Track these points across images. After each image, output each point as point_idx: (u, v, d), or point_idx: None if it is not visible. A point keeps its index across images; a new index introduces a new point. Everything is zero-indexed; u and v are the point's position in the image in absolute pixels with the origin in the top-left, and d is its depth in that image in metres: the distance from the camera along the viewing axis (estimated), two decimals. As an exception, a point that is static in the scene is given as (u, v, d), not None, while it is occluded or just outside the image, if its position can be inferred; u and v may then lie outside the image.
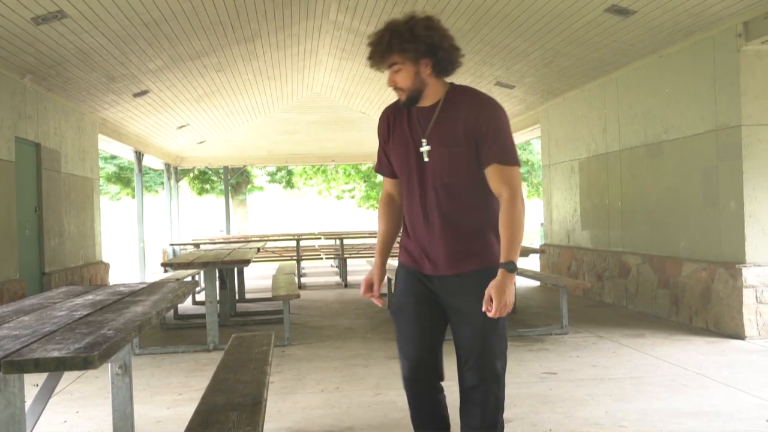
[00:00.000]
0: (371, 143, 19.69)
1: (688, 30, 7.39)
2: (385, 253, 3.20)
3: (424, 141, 2.95)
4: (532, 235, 23.33)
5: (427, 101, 2.97)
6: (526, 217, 2.91)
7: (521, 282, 11.20)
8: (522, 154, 28.65)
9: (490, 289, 2.82)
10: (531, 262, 14.36)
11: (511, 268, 2.85)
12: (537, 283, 11.96)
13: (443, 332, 3.09)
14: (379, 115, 3.16)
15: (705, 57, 7.50)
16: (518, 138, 16.31)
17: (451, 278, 2.98)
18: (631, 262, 9.19)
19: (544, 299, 10.37)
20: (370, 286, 3.24)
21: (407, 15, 2.89)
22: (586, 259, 10.69)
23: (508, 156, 2.89)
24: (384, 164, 3.18)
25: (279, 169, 30.98)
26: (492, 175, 2.90)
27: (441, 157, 2.93)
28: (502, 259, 2.87)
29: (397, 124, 3.07)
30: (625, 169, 9.40)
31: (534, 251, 8.11)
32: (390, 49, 2.84)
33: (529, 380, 5.46)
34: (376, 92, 15.86)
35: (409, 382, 3.07)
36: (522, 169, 29.52)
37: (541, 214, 13.53)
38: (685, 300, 7.84)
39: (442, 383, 3.12)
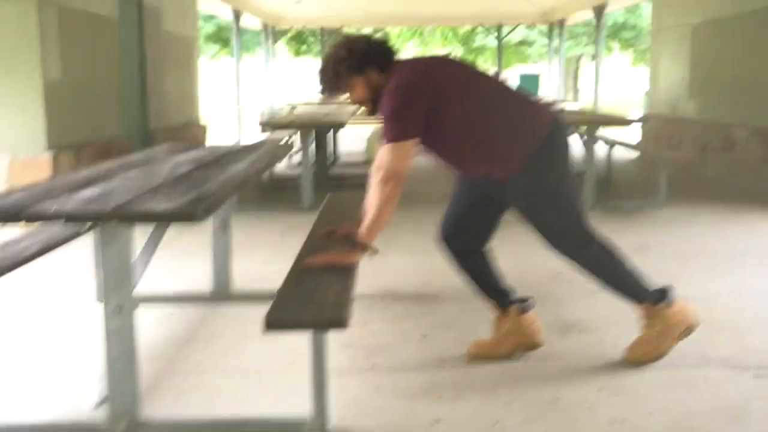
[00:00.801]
0: (471, 4, 19.03)
1: None
2: None
3: None
4: (634, 104, 22.51)
5: None
6: (398, 196, 2.99)
7: (619, 153, 10.93)
8: (630, 19, 27.21)
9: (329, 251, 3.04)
10: (632, 132, 13.92)
11: (361, 246, 2.99)
12: (636, 154, 11.64)
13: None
14: None
15: None
16: (627, 0, 15.42)
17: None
18: (738, 134, 8.79)
19: (643, 171, 10.12)
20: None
21: (336, 44, 3.21)
22: (690, 130, 10.28)
23: (384, 135, 3.04)
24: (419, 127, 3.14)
25: (376, 31, 30.51)
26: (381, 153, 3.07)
27: None
28: (360, 235, 3.00)
29: None
30: (740, 37, 8.83)
31: (635, 122, 7.84)
32: (337, 78, 3.13)
33: (623, 251, 5.42)
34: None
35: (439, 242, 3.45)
36: (628, 34, 28.20)
37: (646, 82, 12.98)
38: (792, 177, 7.51)
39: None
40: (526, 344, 3.41)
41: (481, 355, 3.40)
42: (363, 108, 3.24)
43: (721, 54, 9.39)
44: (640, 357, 3.29)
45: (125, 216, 2.44)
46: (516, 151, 3.09)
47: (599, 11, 15.64)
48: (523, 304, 3.42)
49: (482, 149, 3.13)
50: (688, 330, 3.30)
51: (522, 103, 3.18)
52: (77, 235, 3.73)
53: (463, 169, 3.31)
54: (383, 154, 3.02)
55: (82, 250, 4.46)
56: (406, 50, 34.61)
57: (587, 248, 3.23)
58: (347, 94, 3.21)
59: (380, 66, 3.14)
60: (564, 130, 3.20)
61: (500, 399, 2.98)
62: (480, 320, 3.92)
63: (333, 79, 3.15)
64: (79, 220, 2.44)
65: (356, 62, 3.11)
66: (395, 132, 3.01)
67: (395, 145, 3.00)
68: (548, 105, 3.26)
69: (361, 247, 3.01)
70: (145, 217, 2.47)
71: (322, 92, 3.28)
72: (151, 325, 3.93)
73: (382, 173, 2.99)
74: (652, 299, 3.27)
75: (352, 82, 3.13)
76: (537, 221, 3.21)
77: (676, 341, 3.29)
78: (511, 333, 3.39)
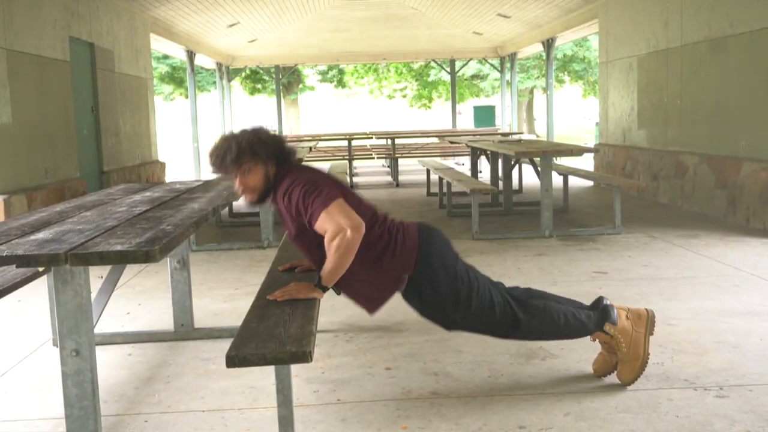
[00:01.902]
0: (424, 40, 19.31)
1: None
2: None
3: None
4: (587, 134, 22.95)
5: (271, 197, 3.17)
6: (356, 245, 2.93)
7: (575, 182, 11.11)
8: (578, 51, 27.82)
9: (290, 285, 3.04)
10: (585, 162, 14.17)
11: (319, 285, 3.00)
12: (590, 183, 11.84)
13: None
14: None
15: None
16: (575, 34, 15.86)
17: None
18: (688, 161, 9.00)
19: (598, 199, 10.28)
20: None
21: (242, 130, 3.17)
22: (641, 158, 10.50)
23: (314, 213, 2.97)
24: None
25: (330, 68, 30.73)
26: (320, 229, 2.97)
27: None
28: (320, 279, 3.00)
29: None
30: (686, 66, 9.09)
31: (588, 151, 7.99)
32: (241, 155, 3.05)
33: (580, 279, 5.49)
34: (428, -13, 15.43)
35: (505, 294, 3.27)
36: (578, 67, 28.80)
37: (596, 113, 13.24)
38: (742, 200, 7.69)
39: None
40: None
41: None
42: (244, 195, 3.16)
43: (667, 84, 9.64)
44: (632, 375, 3.34)
45: (79, 258, 2.39)
46: (396, 278, 3.09)
47: (548, 45, 16.00)
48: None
49: (366, 270, 3.07)
50: (651, 322, 3.37)
51: (391, 225, 3.15)
52: (35, 276, 3.65)
53: (344, 286, 3.12)
54: (325, 224, 2.90)
55: (41, 291, 4.36)
56: (362, 86, 34.93)
57: (517, 325, 3.21)
58: (235, 176, 3.11)
59: (280, 162, 3.13)
60: (433, 241, 3.14)
61: (467, 428, 2.97)
62: (444, 350, 3.92)
63: (236, 156, 3.05)
64: (31, 264, 2.38)
65: (265, 149, 3.09)
66: (322, 201, 2.93)
67: (328, 209, 2.91)
68: (411, 223, 3.22)
69: (322, 289, 2.99)
70: (100, 259, 2.42)
71: (213, 166, 3.16)
72: (110, 366, 3.85)
73: (332, 230, 2.88)
74: (600, 326, 3.32)
75: (253, 166, 3.08)
76: (456, 326, 3.22)
77: (647, 339, 3.35)
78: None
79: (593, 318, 3.33)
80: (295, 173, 3.09)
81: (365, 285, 3.11)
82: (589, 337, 3.39)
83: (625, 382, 3.34)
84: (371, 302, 3.15)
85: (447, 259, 3.14)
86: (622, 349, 3.32)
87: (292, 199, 3.00)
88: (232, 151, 3.07)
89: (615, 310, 3.36)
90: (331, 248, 2.89)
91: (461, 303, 3.13)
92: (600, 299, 3.40)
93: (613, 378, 3.41)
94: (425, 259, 3.09)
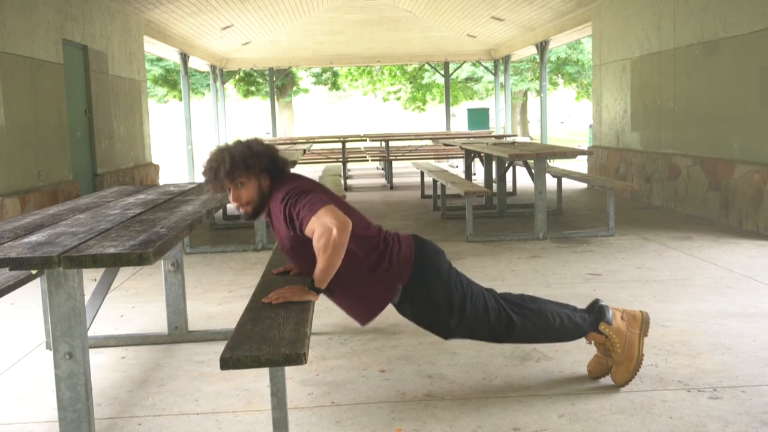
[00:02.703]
0: (418, 43, 19.32)
1: None
2: None
3: None
4: (580, 136, 22.99)
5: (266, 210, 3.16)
6: (345, 244, 2.91)
7: (568, 184, 11.13)
8: (572, 54, 27.89)
9: (285, 288, 3.00)
10: (578, 165, 14.20)
11: (315, 290, 2.96)
12: (584, 186, 11.87)
13: None
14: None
15: (769, -52, 7.11)
16: (568, 37, 15.90)
17: None
18: (681, 164, 9.03)
19: (591, 201, 10.31)
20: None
21: (236, 141, 3.17)
22: (634, 161, 10.53)
23: (306, 216, 2.95)
24: None
25: (324, 71, 30.73)
26: (310, 233, 2.96)
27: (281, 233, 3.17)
28: (313, 281, 2.97)
29: None
30: (679, 69, 9.12)
31: (582, 153, 8.00)
32: (235, 168, 3.05)
33: (573, 281, 5.50)
34: (422, -10, 15.45)
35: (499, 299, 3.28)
36: (572, 69, 28.87)
37: (590, 115, 13.27)
38: (735, 203, 7.72)
39: None
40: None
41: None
42: (239, 209, 3.15)
43: (660, 86, 9.67)
44: (626, 376, 3.34)
45: (73, 261, 2.38)
46: (390, 287, 3.09)
47: (542, 47, 16.03)
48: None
49: (360, 280, 3.08)
50: (645, 324, 3.38)
51: (386, 236, 3.16)
52: (29, 279, 3.64)
53: (338, 296, 3.16)
54: (315, 227, 2.89)
55: (34, 294, 4.35)
56: (356, 89, 34.94)
57: (512, 328, 3.22)
58: (229, 190, 3.11)
59: (273, 174, 3.14)
60: (427, 252, 3.16)
61: (461, 430, 2.97)
62: (438, 353, 3.93)
63: (229, 169, 3.05)
64: (24, 267, 2.37)
65: (259, 165, 3.09)
66: (310, 206, 2.93)
67: (317, 213, 2.90)
68: (406, 234, 3.24)
69: (315, 291, 2.99)
70: (94, 262, 2.42)
71: (208, 181, 3.15)
72: (104, 369, 3.84)
73: (320, 230, 2.88)
74: (595, 327, 3.33)
75: (246, 180, 3.08)
76: (451, 333, 3.20)
77: (642, 340, 3.36)
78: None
79: (588, 319, 3.33)
80: (289, 183, 3.09)
81: (359, 296, 3.11)
82: (584, 338, 3.40)
83: (620, 383, 3.35)
84: (364, 313, 3.15)
85: (441, 268, 3.15)
86: (616, 350, 3.33)
87: (286, 208, 3.00)
88: (225, 165, 3.06)
89: (610, 311, 3.37)
90: (319, 248, 2.89)
91: (455, 309, 3.14)
92: (596, 301, 3.41)
93: (607, 380, 3.42)
94: (420, 268, 3.10)
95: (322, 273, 2.93)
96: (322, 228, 2.87)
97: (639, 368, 3.34)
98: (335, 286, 3.04)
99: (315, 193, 3.00)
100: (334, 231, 2.86)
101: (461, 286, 3.16)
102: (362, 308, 3.15)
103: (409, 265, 3.09)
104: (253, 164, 3.07)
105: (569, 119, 35.84)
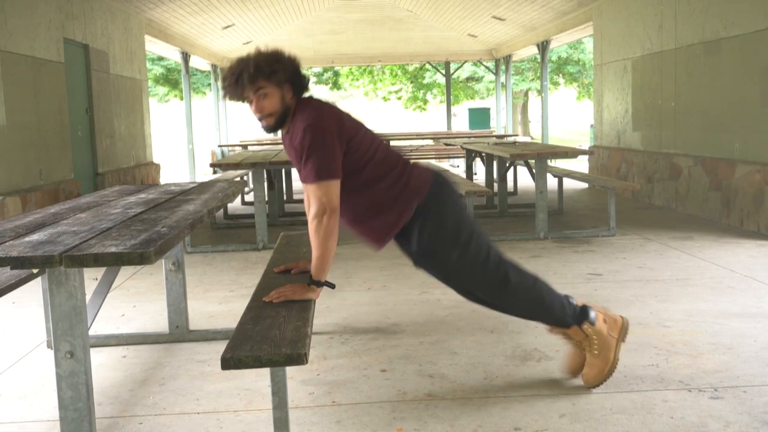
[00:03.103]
0: (419, 43, 19.31)
1: None
2: None
3: None
4: (581, 136, 22.98)
5: (287, 126, 3.10)
6: (335, 228, 2.98)
7: (569, 184, 11.12)
8: (573, 54, 27.86)
9: (286, 286, 3.03)
10: (580, 164, 14.20)
11: (315, 283, 3.00)
12: (585, 185, 11.87)
13: None
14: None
15: (771, -52, 7.11)
16: (570, 36, 15.89)
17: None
18: (682, 164, 9.02)
19: (592, 201, 10.30)
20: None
21: (259, 48, 3.05)
22: (636, 161, 10.52)
23: (308, 174, 2.97)
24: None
25: (325, 71, 30.71)
26: (305, 190, 3.05)
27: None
28: (312, 275, 3.00)
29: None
30: (680, 69, 9.11)
31: (583, 153, 8.00)
32: (258, 74, 2.96)
33: (574, 281, 5.50)
34: (423, -11, 15.43)
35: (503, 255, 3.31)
36: (573, 69, 28.84)
37: (591, 115, 13.27)
38: (737, 202, 7.72)
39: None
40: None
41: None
42: (261, 121, 3.06)
43: (661, 86, 9.66)
44: (598, 378, 3.32)
45: (74, 260, 2.38)
46: (406, 204, 3.11)
47: (543, 47, 16.02)
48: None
49: (377, 200, 3.12)
50: (624, 330, 3.39)
51: (406, 162, 3.22)
52: (30, 278, 3.64)
53: (356, 222, 3.19)
54: (311, 192, 2.96)
55: (35, 293, 4.35)
56: (357, 88, 34.91)
57: (506, 285, 3.22)
58: (251, 100, 3.02)
59: (297, 89, 3.07)
60: (446, 183, 3.24)
61: (462, 430, 2.97)
62: (439, 352, 3.92)
63: (253, 74, 2.95)
64: (25, 266, 2.37)
65: (284, 72, 3.00)
66: (319, 170, 2.94)
67: (321, 183, 2.94)
68: (426, 166, 3.31)
69: (316, 285, 2.99)
70: (95, 261, 2.41)
71: (228, 88, 3.03)
72: (105, 368, 3.84)
73: (315, 210, 2.94)
74: (579, 322, 3.33)
75: (269, 89, 3.00)
76: (447, 269, 3.20)
77: (619, 345, 3.35)
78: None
79: (574, 313, 3.33)
80: (314, 113, 3.01)
81: (377, 216, 3.12)
82: (554, 329, 3.38)
83: (590, 384, 3.33)
84: (381, 234, 3.15)
85: (457, 199, 3.22)
86: (593, 351, 3.32)
87: (303, 142, 2.95)
88: (249, 69, 2.96)
89: (593, 311, 3.36)
90: (312, 229, 2.99)
91: (460, 242, 3.14)
92: (584, 305, 3.41)
93: (607, 380, 3.41)
94: (439, 189, 3.15)
95: (319, 262, 2.96)
96: (317, 206, 2.95)
97: (612, 373, 3.32)
98: (354, 216, 3.11)
99: (331, 155, 2.97)
100: (325, 218, 2.92)
101: (471, 224, 3.20)
102: (379, 228, 3.14)
103: (427, 184, 3.13)
104: (278, 69, 2.98)
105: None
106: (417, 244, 3.15)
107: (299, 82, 3.07)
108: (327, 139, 2.97)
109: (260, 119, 3.06)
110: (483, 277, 3.21)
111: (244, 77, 2.96)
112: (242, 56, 3.05)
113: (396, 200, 3.10)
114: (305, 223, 3.35)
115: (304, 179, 3.01)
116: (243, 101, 3.09)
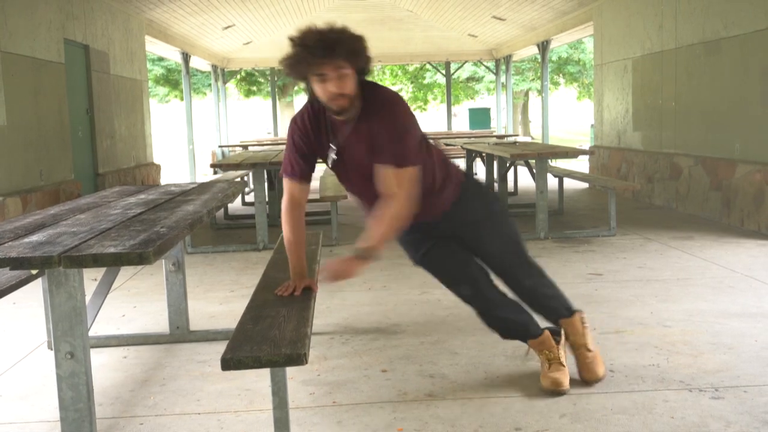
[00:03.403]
0: (419, 43, 19.31)
1: None
2: (300, 252, 3.12)
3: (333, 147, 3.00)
4: (581, 136, 22.97)
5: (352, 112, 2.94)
6: (405, 221, 2.95)
7: (570, 184, 11.12)
8: (573, 54, 27.86)
9: (333, 261, 2.92)
10: (580, 164, 14.20)
11: (362, 255, 2.86)
12: (585, 185, 11.86)
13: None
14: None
15: (771, -53, 7.11)
16: (570, 36, 15.89)
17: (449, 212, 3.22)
18: (682, 163, 9.02)
19: (593, 201, 10.30)
20: (300, 281, 3.11)
21: (343, 27, 2.81)
22: (636, 160, 10.52)
23: (399, 157, 2.88)
24: (296, 168, 3.05)
25: (325, 70, 30.67)
26: (386, 176, 2.89)
27: (361, 159, 2.97)
28: (362, 244, 2.87)
29: (315, 130, 3.03)
30: (680, 69, 9.11)
31: (583, 153, 7.99)
32: (349, 54, 2.77)
33: (575, 281, 5.49)
34: (423, -10, 15.43)
35: (476, 302, 3.35)
36: (573, 69, 28.84)
37: (591, 115, 13.26)
38: (737, 202, 7.71)
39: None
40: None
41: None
42: (332, 103, 2.83)
43: (661, 86, 9.66)
44: (602, 367, 3.44)
45: (73, 260, 2.38)
46: (456, 181, 3.23)
47: (543, 47, 16.02)
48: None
49: (438, 177, 3.17)
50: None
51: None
52: (30, 278, 3.64)
53: (428, 203, 3.12)
54: (398, 177, 2.85)
55: (36, 294, 4.35)
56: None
57: (543, 272, 3.40)
58: (332, 77, 2.77)
59: (362, 72, 2.91)
60: (475, 181, 3.40)
61: (463, 430, 2.97)
62: (439, 352, 3.92)
63: (348, 53, 2.75)
64: (25, 267, 2.37)
65: (365, 61, 2.85)
66: (413, 157, 2.90)
67: (409, 169, 2.88)
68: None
69: (368, 253, 2.87)
70: (94, 261, 2.41)
71: (301, 53, 2.74)
72: (105, 368, 3.84)
73: (398, 199, 2.86)
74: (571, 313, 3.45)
75: (348, 71, 2.80)
76: (502, 232, 3.31)
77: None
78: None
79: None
80: (396, 95, 2.98)
81: (441, 197, 3.18)
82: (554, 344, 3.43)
83: (593, 379, 3.40)
84: (438, 208, 3.20)
85: (490, 189, 3.41)
86: (581, 350, 3.43)
87: (399, 119, 2.88)
88: (345, 44, 2.75)
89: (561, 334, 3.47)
90: (389, 213, 2.88)
91: (498, 214, 3.32)
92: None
93: (608, 380, 3.41)
94: (466, 172, 3.31)
95: (382, 238, 2.89)
96: (404, 197, 2.89)
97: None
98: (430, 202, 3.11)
99: (418, 138, 3.00)
100: (405, 210, 2.91)
101: (506, 209, 3.36)
102: (439, 203, 3.18)
103: (462, 176, 3.26)
104: (362, 54, 2.82)
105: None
106: (459, 209, 3.21)
107: (365, 71, 2.92)
108: (415, 125, 3.00)
109: (332, 99, 2.82)
110: (523, 250, 3.34)
111: (337, 50, 2.72)
112: (328, 28, 2.77)
113: (449, 177, 3.21)
114: (307, 224, 3.33)
115: (397, 159, 2.86)
116: (308, 74, 2.81)
